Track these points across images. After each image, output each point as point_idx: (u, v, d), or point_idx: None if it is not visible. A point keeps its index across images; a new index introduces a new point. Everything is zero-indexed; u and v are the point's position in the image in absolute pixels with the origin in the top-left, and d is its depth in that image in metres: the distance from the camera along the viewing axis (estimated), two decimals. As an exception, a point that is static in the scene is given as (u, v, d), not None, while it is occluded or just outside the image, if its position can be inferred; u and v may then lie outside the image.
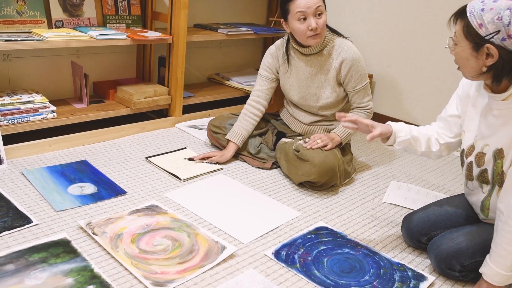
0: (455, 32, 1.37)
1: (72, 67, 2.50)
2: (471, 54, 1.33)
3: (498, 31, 1.25)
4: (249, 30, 2.96)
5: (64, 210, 1.71)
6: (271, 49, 2.29)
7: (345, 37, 2.18)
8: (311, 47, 2.11)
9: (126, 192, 1.89)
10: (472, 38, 1.31)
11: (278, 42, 2.29)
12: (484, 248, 1.44)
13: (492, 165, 1.44)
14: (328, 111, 2.22)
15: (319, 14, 2.01)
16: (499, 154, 1.41)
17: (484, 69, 1.33)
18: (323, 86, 2.18)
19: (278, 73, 2.30)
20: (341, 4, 3.19)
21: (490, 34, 1.26)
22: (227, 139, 2.25)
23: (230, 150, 2.24)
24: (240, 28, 2.96)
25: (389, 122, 1.62)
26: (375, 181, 2.28)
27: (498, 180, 1.44)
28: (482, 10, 1.27)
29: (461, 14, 1.34)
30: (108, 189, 1.90)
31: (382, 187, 2.21)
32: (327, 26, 2.18)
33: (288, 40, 2.20)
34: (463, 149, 1.55)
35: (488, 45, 1.28)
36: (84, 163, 2.11)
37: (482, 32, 1.28)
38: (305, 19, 2.00)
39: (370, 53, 3.12)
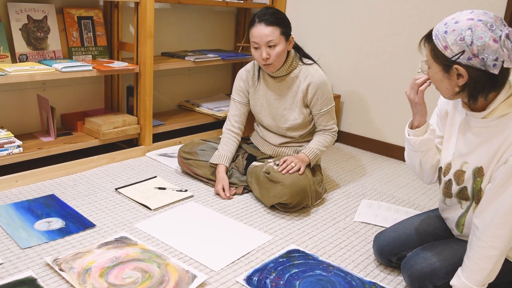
0: (426, 56, 1.38)
1: (38, 100, 2.47)
2: (443, 76, 1.34)
3: (463, 51, 1.27)
4: (217, 56, 2.99)
5: (30, 247, 1.67)
6: (241, 73, 2.34)
7: (314, 61, 2.24)
8: (278, 70, 2.16)
9: (95, 225, 1.86)
10: (440, 61, 1.33)
11: (248, 65, 2.34)
12: (457, 269, 1.43)
13: (471, 183, 1.43)
14: (296, 132, 2.25)
15: (272, 46, 2.07)
16: (478, 173, 1.41)
17: (457, 89, 1.34)
18: (291, 108, 2.21)
19: (248, 95, 2.34)
20: (306, 27, 3.26)
21: (456, 55, 1.28)
22: (215, 163, 2.25)
23: (221, 171, 2.23)
24: (208, 55, 2.99)
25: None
26: (346, 200, 2.30)
27: (476, 197, 1.43)
28: (445, 32, 1.30)
29: (428, 38, 1.36)
30: (76, 223, 1.86)
31: (353, 206, 2.23)
32: (297, 50, 2.23)
33: None
34: (441, 167, 1.55)
35: (456, 66, 1.30)
36: (52, 197, 2.07)
37: (448, 53, 1.30)
38: (259, 48, 2.08)
39: (337, 73, 3.18)
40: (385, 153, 3.03)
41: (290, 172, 2.04)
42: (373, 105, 3.06)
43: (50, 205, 1.99)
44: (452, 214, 1.56)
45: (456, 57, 1.29)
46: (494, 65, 1.26)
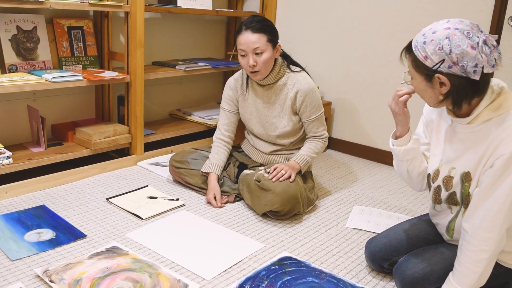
0: (408, 67, 1.41)
1: (28, 110, 2.47)
2: (426, 85, 1.37)
3: (443, 60, 1.29)
4: (207, 65, 3.00)
5: (20, 258, 1.65)
6: (230, 82, 2.34)
7: (302, 68, 2.25)
8: (266, 78, 2.16)
9: (86, 236, 1.85)
10: (422, 71, 1.35)
11: (236, 74, 2.35)
12: (448, 273, 1.44)
13: (460, 188, 1.45)
14: (286, 139, 2.26)
15: (259, 53, 2.07)
16: (466, 177, 1.42)
17: (441, 97, 1.36)
18: (280, 116, 2.22)
19: (237, 104, 2.34)
20: (296, 35, 3.28)
21: (436, 64, 1.30)
22: (206, 172, 2.24)
23: (213, 180, 2.22)
24: (198, 64, 2.99)
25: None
26: (338, 206, 2.30)
27: (465, 201, 1.44)
28: (424, 43, 1.32)
29: (408, 49, 1.39)
30: (67, 233, 1.85)
31: (345, 212, 2.23)
32: (284, 58, 2.24)
33: None
34: (429, 174, 1.56)
35: (437, 75, 1.31)
36: (43, 208, 2.06)
37: (428, 63, 1.32)
38: (246, 55, 2.09)
39: (327, 81, 3.20)
40: (376, 159, 3.04)
41: (280, 179, 2.04)
42: (363, 111, 3.08)
43: (41, 216, 1.98)
44: (442, 220, 1.57)
45: (437, 66, 1.31)
46: (475, 71, 1.27)
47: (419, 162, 1.59)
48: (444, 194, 1.50)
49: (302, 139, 2.30)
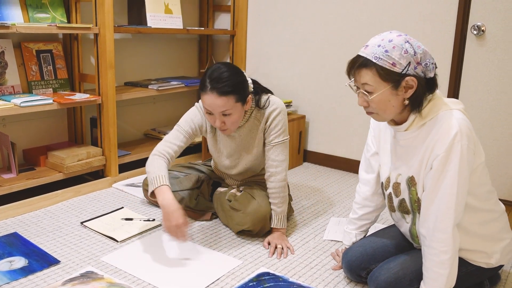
0: (364, 84, 1.41)
1: (-2, 137, 2.42)
2: (391, 93, 1.38)
3: (409, 63, 1.35)
4: (180, 83, 3.00)
5: (-10, 289, 1.61)
6: (200, 108, 2.08)
7: (270, 92, 2.10)
8: None
9: (60, 261, 1.81)
10: (390, 79, 1.37)
11: None
12: (420, 275, 1.48)
13: (408, 194, 1.51)
14: (257, 166, 2.17)
15: (227, 115, 1.86)
16: (411, 182, 1.48)
17: (406, 102, 1.40)
18: (254, 147, 2.08)
19: (200, 132, 2.11)
20: (268, 52, 3.31)
21: (405, 67, 1.35)
22: (153, 189, 1.83)
23: (167, 194, 1.79)
24: (171, 82, 2.99)
25: (342, 240, 1.85)
26: (315, 219, 2.30)
27: (417, 207, 1.50)
28: (386, 51, 1.35)
29: (364, 64, 1.39)
30: (40, 260, 1.81)
31: (322, 225, 2.24)
32: (255, 94, 2.00)
33: None
34: (382, 182, 1.63)
35: (407, 78, 1.36)
36: (14, 235, 2.01)
37: (397, 69, 1.36)
38: (212, 114, 1.88)
39: (301, 95, 3.23)
40: (352, 169, 3.07)
41: (285, 256, 1.92)
42: (337, 123, 3.11)
43: (12, 244, 1.93)
44: (402, 228, 1.64)
45: (406, 69, 1.36)
46: (433, 67, 1.38)
47: (368, 222, 1.78)
48: (395, 201, 1.57)
49: None
